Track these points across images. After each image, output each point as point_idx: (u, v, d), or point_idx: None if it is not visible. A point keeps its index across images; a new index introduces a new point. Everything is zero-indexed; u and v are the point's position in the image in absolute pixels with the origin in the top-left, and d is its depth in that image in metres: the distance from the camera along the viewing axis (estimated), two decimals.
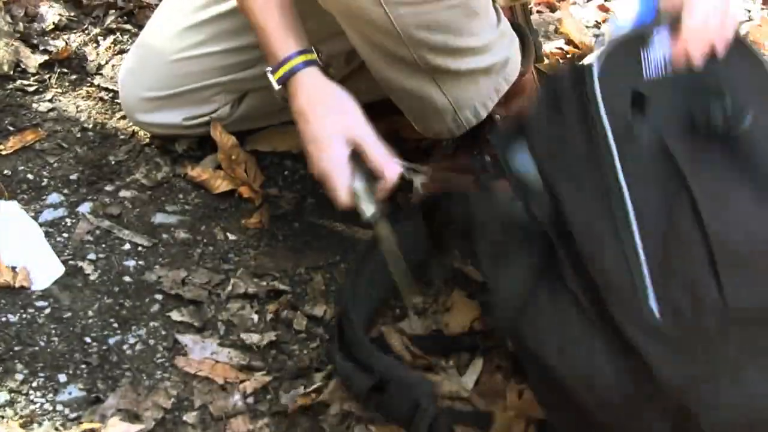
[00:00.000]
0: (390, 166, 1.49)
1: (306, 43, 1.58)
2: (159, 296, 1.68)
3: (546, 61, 2.24)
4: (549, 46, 2.43)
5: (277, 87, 1.57)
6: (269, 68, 1.58)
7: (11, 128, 2.05)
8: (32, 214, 1.83)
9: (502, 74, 1.74)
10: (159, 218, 1.85)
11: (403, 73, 1.65)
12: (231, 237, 1.82)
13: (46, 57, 2.24)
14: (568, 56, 2.46)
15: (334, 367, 1.52)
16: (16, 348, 1.56)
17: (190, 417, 1.47)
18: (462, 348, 1.60)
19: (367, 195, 1.49)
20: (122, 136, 2.04)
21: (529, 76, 1.89)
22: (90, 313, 1.64)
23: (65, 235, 1.80)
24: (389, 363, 1.49)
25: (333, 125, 1.52)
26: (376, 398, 1.42)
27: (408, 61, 1.60)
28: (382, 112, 1.73)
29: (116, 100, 2.11)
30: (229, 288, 1.69)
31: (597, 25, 2.63)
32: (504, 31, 1.73)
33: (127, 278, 1.71)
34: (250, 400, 1.50)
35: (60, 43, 2.30)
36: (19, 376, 1.51)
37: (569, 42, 2.51)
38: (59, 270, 1.72)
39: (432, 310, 1.68)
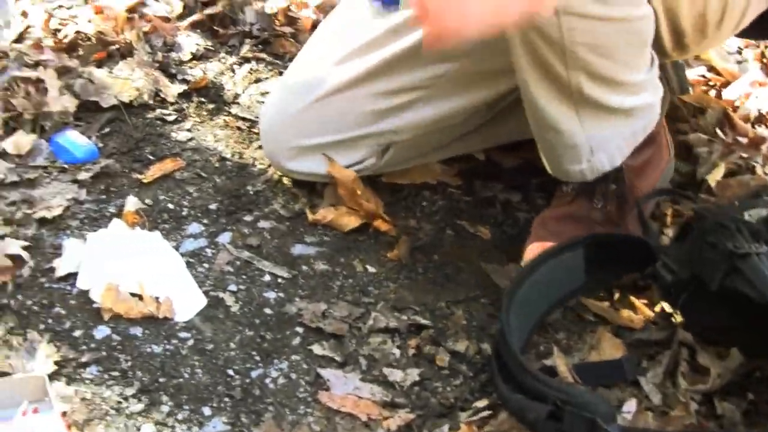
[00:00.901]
0: None
1: None
2: (300, 329, 1.70)
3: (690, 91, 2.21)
4: (691, 74, 2.39)
5: None
6: None
7: (151, 157, 2.11)
8: (173, 244, 1.87)
9: (643, 120, 1.73)
10: (298, 249, 1.87)
11: (551, 97, 1.65)
12: (370, 269, 1.84)
13: (184, 86, 2.31)
14: (710, 84, 2.42)
15: (501, 399, 1.52)
16: (161, 379, 1.60)
17: None
18: (621, 376, 1.59)
19: None
20: (260, 166, 2.08)
21: (660, 128, 1.87)
22: (232, 345, 1.67)
23: (206, 265, 1.84)
24: (562, 387, 1.49)
25: None
26: (552, 426, 1.43)
27: (561, 83, 1.61)
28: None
29: (253, 130, 2.16)
30: (370, 322, 1.70)
31: (739, 51, 2.59)
32: (655, 75, 1.72)
33: (267, 310, 1.74)
34: None
35: (197, 73, 2.36)
36: (165, 408, 1.55)
37: (711, 69, 2.47)
38: (202, 301, 1.76)
39: (577, 347, 1.66)
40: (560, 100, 1.64)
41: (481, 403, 1.56)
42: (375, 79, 1.88)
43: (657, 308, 1.74)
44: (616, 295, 1.77)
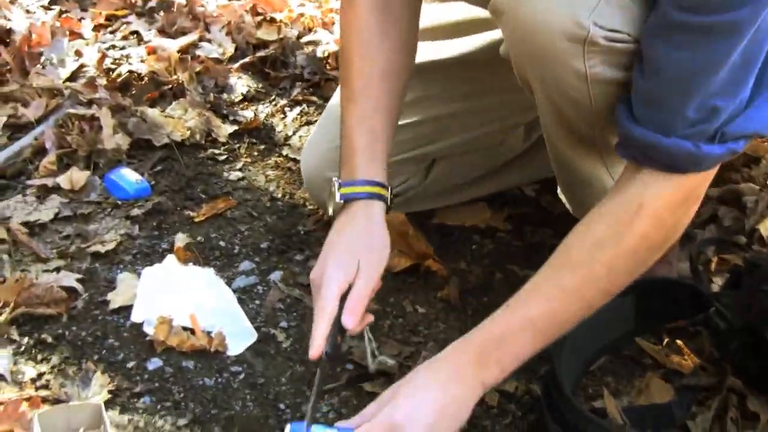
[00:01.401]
0: (349, 318, 1.54)
1: (383, 174, 1.66)
2: (350, 365, 1.75)
3: None
4: None
5: (338, 200, 1.65)
6: (339, 180, 1.66)
7: (203, 196, 2.18)
8: (225, 280, 1.94)
9: None
10: None
11: (577, 151, 1.72)
12: (420, 309, 1.90)
13: (235, 127, 2.39)
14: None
15: None
16: (213, 411, 1.65)
17: None
18: (670, 420, 1.63)
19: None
20: (310, 207, 2.15)
21: None
22: (283, 380, 1.73)
23: (257, 302, 1.91)
24: (613, 427, 1.56)
25: (358, 250, 1.59)
26: None
27: (587, 139, 1.67)
28: None
29: None
30: (420, 361, 1.75)
31: None
32: None
33: None
34: None
35: (249, 114, 2.44)
36: None
37: None
38: (253, 336, 1.82)
39: (625, 391, 1.70)
40: (586, 152, 1.71)
41: None
42: (419, 108, 1.95)
43: (706, 354, 1.77)
44: (665, 340, 1.80)
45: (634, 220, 1.44)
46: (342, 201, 1.64)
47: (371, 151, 1.66)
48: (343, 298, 1.55)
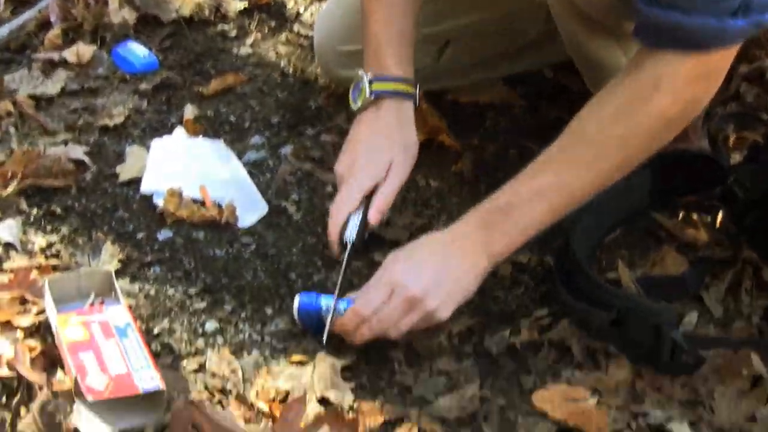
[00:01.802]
0: (376, 215, 1.62)
1: (412, 73, 1.69)
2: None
3: None
4: None
5: (369, 96, 1.66)
6: (369, 75, 1.67)
7: (212, 71, 2.18)
8: (236, 153, 1.94)
9: None
10: None
11: (593, 37, 1.72)
12: (433, 183, 1.90)
13: (245, 3, 2.37)
14: None
15: (564, 307, 1.59)
16: (224, 280, 1.67)
17: (395, 354, 1.54)
18: (683, 291, 1.65)
19: (353, 224, 1.61)
20: (321, 82, 2.15)
21: None
22: (294, 251, 1.74)
23: (268, 175, 1.92)
24: (627, 295, 1.58)
25: (391, 151, 1.64)
26: (615, 333, 1.51)
27: (603, 28, 1.67)
28: None
29: None
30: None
31: None
32: None
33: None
34: (456, 341, 1.57)
35: None
36: (228, 307, 1.62)
37: None
38: (264, 209, 1.83)
39: (640, 264, 1.72)
40: (603, 39, 1.70)
41: (542, 312, 1.61)
42: None
43: (722, 228, 1.78)
44: (681, 214, 1.81)
45: (652, 95, 1.43)
46: (372, 97, 1.64)
47: (400, 47, 1.68)
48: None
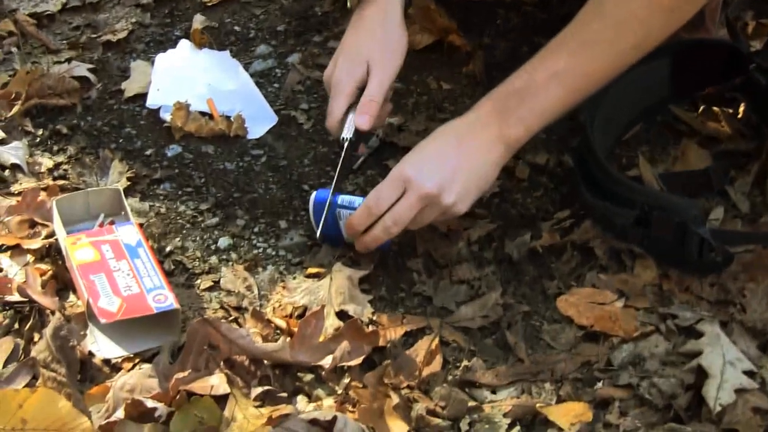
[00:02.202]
0: (362, 118, 1.50)
1: None
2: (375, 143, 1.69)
3: None
4: None
5: None
6: None
7: None
8: (242, 65, 1.87)
9: None
10: None
11: None
12: (445, 86, 1.83)
13: None
14: None
15: (585, 207, 1.52)
16: (236, 194, 1.61)
17: (414, 263, 1.48)
18: (707, 186, 1.58)
19: (349, 120, 1.52)
20: None
21: None
22: (306, 161, 1.68)
23: (276, 85, 1.85)
24: (650, 191, 1.50)
25: (370, 50, 1.53)
26: (639, 232, 1.44)
27: None
28: None
29: None
30: None
31: None
32: None
33: None
34: (475, 248, 1.51)
35: None
36: (241, 222, 1.56)
37: None
38: (273, 119, 1.76)
39: (661, 159, 1.64)
40: None
41: (563, 214, 1.55)
42: None
43: (744, 120, 1.70)
44: (701, 107, 1.73)
45: None
46: None
47: None
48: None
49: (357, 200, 1.43)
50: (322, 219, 1.45)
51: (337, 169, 1.50)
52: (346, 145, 1.50)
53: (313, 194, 1.48)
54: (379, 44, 1.54)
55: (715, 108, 1.72)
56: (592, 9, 1.39)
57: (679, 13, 1.38)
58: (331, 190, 1.46)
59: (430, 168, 1.38)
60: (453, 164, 1.38)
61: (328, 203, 1.45)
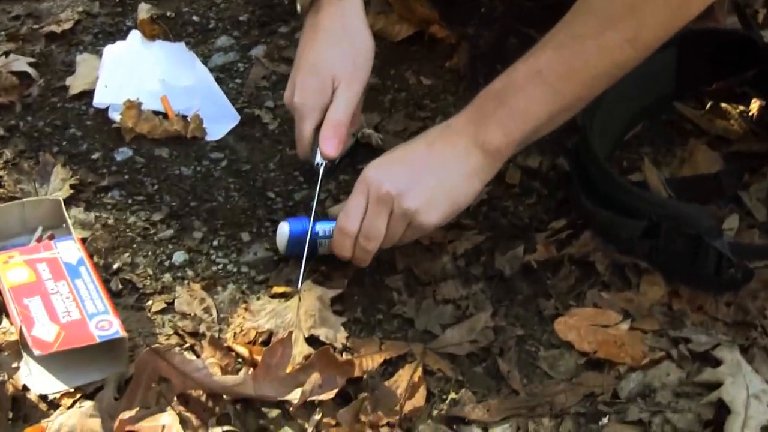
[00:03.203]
0: (328, 144, 1.39)
1: None
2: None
3: None
4: None
5: None
6: None
7: None
8: (201, 58, 1.75)
9: None
10: None
11: None
12: (425, 81, 1.71)
13: None
14: None
15: (584, 217, 1.41)
16: (193, 203, 1.49)
17: (393, 281, 1.37)
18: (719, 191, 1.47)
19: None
20: None
21: None
22: (271, 165, 1.56)
23: (238, 80, 1.73)
24: (658, 199, 1.40)
25: (332, 64, 1.41)
26: (646, 245, 1.33)
27: None
28: None
29: None
30: None
31: None
32: None
33: None
34: (461, 262, 1.39)
35: None
36: (198, 234, 1.44)
37: None
38: (235, 118, 1.64)
39: (666, 161, 1.53)
40: None
41: (559, 223, 1.44)
42: None
43: (756, 118, 1.59)
44: (708, 104, 1.62)
45: None
46: None
47: None
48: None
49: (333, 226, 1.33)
50: (305, 255, 1.34)
51: (315, 199, 1.39)
52: (321, 170, 1.40)
53: (285, 226, 1.36)
54: (341, 56, 1.42)
55: (723, 105, 1.61)
56: (581, 3, 1.27)
57: (680, 6, 1.25)
58: (311, 220, 1.36)
59: (390, 170, 1.28)
60: (418, 168, 1.28)
61: (308, 237, 1.34)
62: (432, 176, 1.28)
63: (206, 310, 1.32)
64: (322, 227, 1.35)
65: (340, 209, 1.33)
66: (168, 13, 1.86)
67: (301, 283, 1.33)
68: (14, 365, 1.22)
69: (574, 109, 1.32)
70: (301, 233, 1.34)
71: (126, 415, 1.12)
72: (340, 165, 1.51)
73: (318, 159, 1.40)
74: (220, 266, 1.40)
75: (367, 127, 1.57)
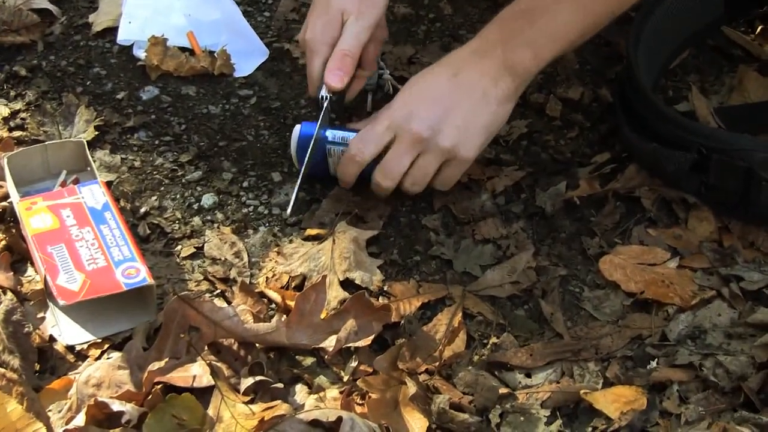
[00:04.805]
0: (332, 75, 1.34)
1: None
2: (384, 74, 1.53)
3: None
4: None
5: None
6: None
7: None
8: None
9: None
10: None
11: None
12: (461, 10, 1.67)
13: None
14: None
15: (630, 150, 1.38)
16: (221, 143, 1.46)
17: (430, 220, 1.33)
18: None
19: None
20: None
21: None
22: (302, 102, 1.53)
23: (266, 14, 1.70)
24: (708, 130, 1.35)
25: (320, 23, 1.37)
26: (695, 179, 1.29)
27: None
28: None
29: None
30: None
31: None
32: None
33: None
34: (501, 200, 1.36)
35: None
36: (227, 175, 1.41)
37: None
38: (264, 53, 1.61)
39: (713, 90, 1.48)
40: None
41: (603, 157, 1.40)
42: None
43: None
44: (759, 27, 1.58)
45: None
46: None
47: None
48: None
49: (351, 135, 1.30)
50: (307, 156, 1.31)
51: (314, 135, 1.33)
52: (325, 104, 1.36)
53: (297, 128, 1.34)
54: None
55: None
56: None
57: None
58: (317, 126, 1.33)
59: (419, 108, 1.23)
60: (447, 102, 1.24)
61: (314, 139, 1.31)
62: (463, 109, 1.24)
63: (237, 254, 1.29)
64: (333, 132, 1.32)
65: (361, 126, 1.30)
66: None
67: (300, 180, 1.31)
68: (40, 315, 1.19)
69: (605, 23, 1.28)
70: (309, 135, 1.32)
71: (155, 366, 1.09)
72: (371, 99, 1.47)
73: (323, 92, 1.36)
74: (251, 208, 1.36)
75: (387, 70, 1.51)
